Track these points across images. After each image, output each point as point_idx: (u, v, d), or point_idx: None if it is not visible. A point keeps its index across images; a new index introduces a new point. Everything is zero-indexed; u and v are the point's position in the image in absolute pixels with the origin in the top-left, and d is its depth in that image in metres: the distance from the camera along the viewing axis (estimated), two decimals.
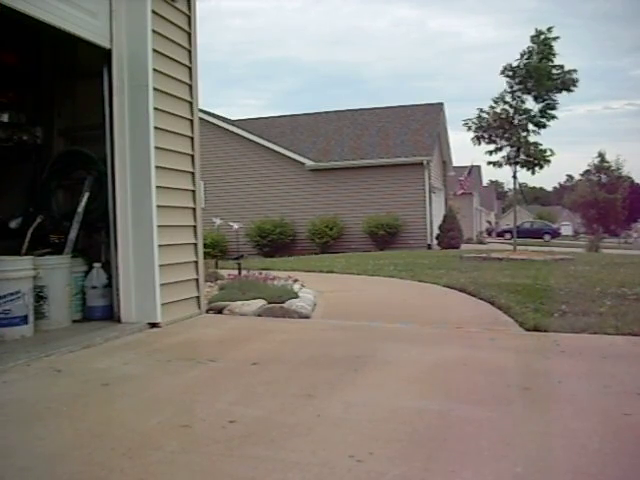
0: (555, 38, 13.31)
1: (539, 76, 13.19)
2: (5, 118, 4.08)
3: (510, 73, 13.62)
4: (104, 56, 3.64)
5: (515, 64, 13.59)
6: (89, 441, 1.81)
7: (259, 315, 4.39)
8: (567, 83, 13.11)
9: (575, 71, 13.16)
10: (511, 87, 13.77)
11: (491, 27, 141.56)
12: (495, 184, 71.12)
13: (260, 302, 4.59)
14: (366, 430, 1.88)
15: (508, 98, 13.69)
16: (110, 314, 3.80)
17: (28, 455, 1.71)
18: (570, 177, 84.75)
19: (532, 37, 13.42)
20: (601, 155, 40.43)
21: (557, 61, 13.55)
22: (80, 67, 4.34)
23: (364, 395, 2.27)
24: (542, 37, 13.36)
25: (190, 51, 4.25)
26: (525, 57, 13.48)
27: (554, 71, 13.27)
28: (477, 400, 2.21)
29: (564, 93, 13.36)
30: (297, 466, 1.63)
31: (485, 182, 50.17)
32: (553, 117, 13.55)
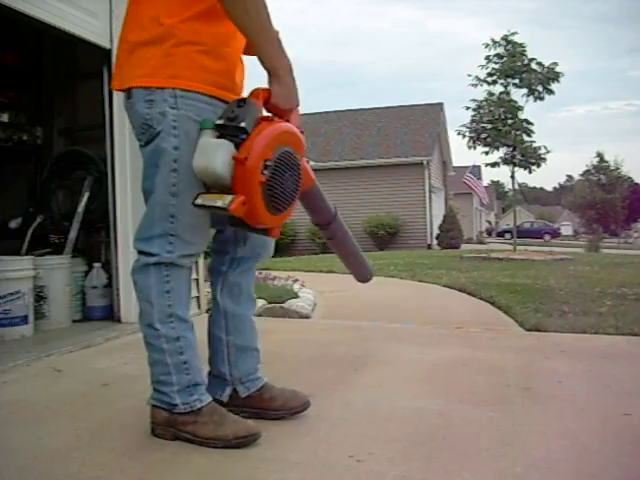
0: (515, 42, 13.70)
1: (515, 72, 13.46)
2: (5, 118, 4.09)
3: (489, 79, 13.88)
4: (104, 56, 3.64)
5: (487, 70, 13.91)
6: (89, 441, 1.81)
7: (259, 315, 4.39)
8: (551, 75, 13.35)
9: (556, 64, 13.47)
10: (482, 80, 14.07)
11: (491, 28, 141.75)
12: (495, 184, 71.14)
13: (260, 302, 4.60)
14: (366, 430, 1.88)
15: (496, 90, 13.95)
16: (110, 314, 3.80)
17: (28, 455, 1.71)
18: (570, 177, 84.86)
19: (494, 42, 13.76)
20: (600, 155, 40.48)
21: (550, 60, 13.85)
22: (80, 67, 4.35)
23: (364, 395, 2.27)
24: (506, 39, 13.75)
25: None
26: (495, 59, 13.80)
27: (533, 66, 13.53)
28: (477, 400, 2.21)
29: (559, 94, 13.62)
30: (297, 466, 1.63)
31: (485, 182, 50.22)
32: (531, 124, 13.82)
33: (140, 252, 1.75)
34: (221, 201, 1.53)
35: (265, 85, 1.65)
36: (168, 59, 1.62)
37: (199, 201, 1.58)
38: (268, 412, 1.91)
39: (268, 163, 1.54)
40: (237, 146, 1.54)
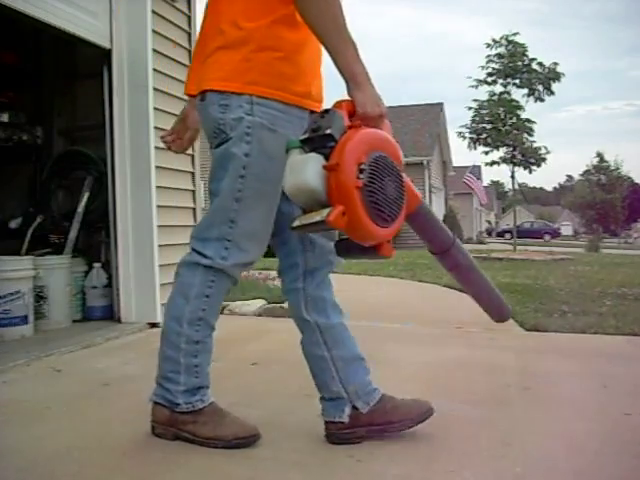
0: (516, 42, 13.78)
1: (515, 71, 13.56)
2: (5, 118, 4.09)
3: (489, 79, 13.96)
4: (104, 56, 3.64)
5: (488, 70, 13.99)
6: (89, 441, 1.81)
7: (259, 315, 4.39)
8: (551, 76, 13.44)
9: (557, 65, 13.55)
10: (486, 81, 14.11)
11: (491, 28, 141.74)
12: (496, 184, 71.14)
13: (260, 302, 4.60)
14: None
15: (497, 89, 14.02)
16: (110, 314, 3.80)
17: (28, 455, 1.71)
18: (570, 177, 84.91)
19: (495, 42, 13.81)
20: (600, 155, 40.51)
21: (550, 60, 13.97)
22: (80, 67, 4.35)
23: None
24: (507, 39, 13.81)
25: (190, 51, 4.25)
26: (495, 59, 13.87)
27: (534, 66, 13.60)
28: (477, 400, 2.21)
29: (559, 94, 13.70)
30: (297, 466, 1.63)
31: (485, 182, 50.24)
32: (533, 122, 13.86)
33: (194, 250, 1.72)
34: (319, 216, 1.41)
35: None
36: (247, 64, 1.59)
37: (296, 223, 1.48)
38: (393, 425, 1.78)
39: (363, 167, 1.42)
40: (327, 157, 1.43)
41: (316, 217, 1.42)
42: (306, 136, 1.48)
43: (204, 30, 1.73)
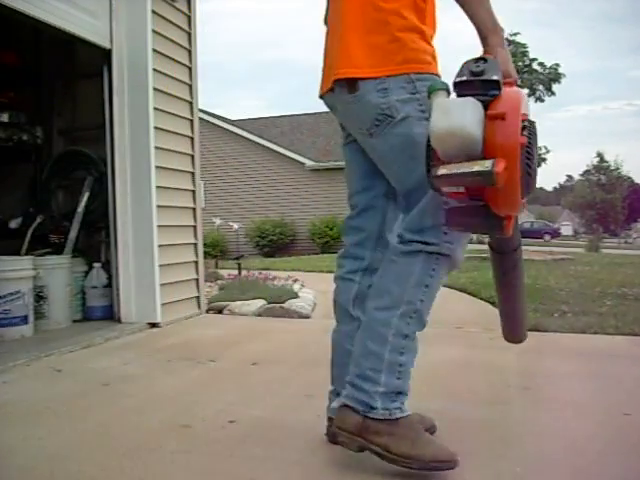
0: (517, 42, 13.83)
1: (516, 72, 13.69)
2: (5, 118, 4.09)
3: None
4: (104, 56, 3.64)
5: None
6: (89, 441, 1.81)
7: (259, 315, 4.39)
8: (552, 76, 13.47)
9: (558, 65, 13.57)
10: None
11: None
12: None
13: (260, 302, 4.60)
14: None
15: None
16: (110, 314, 3.81)
17: (27, 455, 1.71)
18: (570, 177, 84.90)
19: None
20: (600, 155, 40.54)
21: (551, 60, 14.09)
22: (80, 67, 4.35)
23: None
24: (508, 39, 13.90)
25: (190, 51, 4.25)
26: None
27: (535, 66, 13.64)
28: (477, 400, 2.21)
29: (559, 94, 13.73)
30: (297, 466, 1.63)
31: None
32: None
33: (411, 241, 1.56)
34: (478, 166, 1.23)
35: None
36: (396, 44, 1.52)
37: (442, 171, 1.29)
38: None
39: (525, 124, 1.29)
40: (485, 106, 1.29)
41: (474, 167, 1.25)
42: (463, 78, 1.33)
43: (336, 18, 1.63)
